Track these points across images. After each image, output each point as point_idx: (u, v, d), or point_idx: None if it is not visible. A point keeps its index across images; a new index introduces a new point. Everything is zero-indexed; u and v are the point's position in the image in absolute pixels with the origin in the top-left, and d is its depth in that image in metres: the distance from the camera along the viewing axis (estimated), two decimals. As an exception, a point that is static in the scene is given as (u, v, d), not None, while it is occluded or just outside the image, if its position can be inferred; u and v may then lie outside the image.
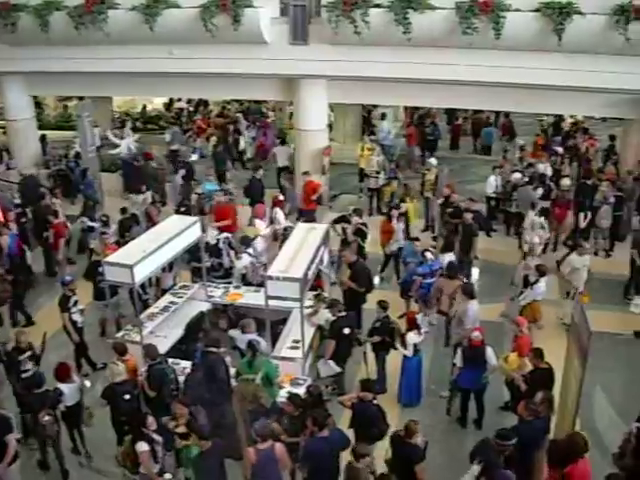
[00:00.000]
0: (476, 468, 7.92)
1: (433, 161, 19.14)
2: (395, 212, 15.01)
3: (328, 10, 16.26)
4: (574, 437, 8.36)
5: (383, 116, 23.64)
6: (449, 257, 13.94)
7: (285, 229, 14.90)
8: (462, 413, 10.99)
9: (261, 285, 11.84)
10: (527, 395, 9.43)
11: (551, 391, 9.88)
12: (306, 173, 17.78)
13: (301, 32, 17.29)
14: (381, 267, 15.20)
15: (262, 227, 15.23)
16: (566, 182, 17.16)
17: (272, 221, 15.70)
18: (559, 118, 25.40)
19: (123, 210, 15.77)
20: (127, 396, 9.52)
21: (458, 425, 10.96)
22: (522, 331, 10.90)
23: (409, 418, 9.38)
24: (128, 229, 15.06)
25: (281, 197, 16.69)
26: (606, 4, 15.16)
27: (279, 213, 15.82)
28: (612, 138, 21.97)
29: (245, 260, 13.63)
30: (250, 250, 13.75)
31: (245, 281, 13.64)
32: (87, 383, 10.22)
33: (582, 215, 16.37)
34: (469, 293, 11.51)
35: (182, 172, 19.27)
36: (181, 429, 8.57)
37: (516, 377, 10.08)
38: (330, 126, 21.19)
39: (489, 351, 10.56)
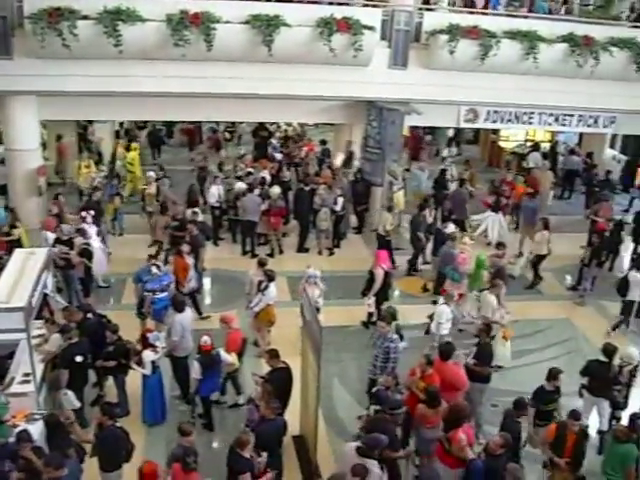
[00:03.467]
0: None
1: (152, 174, 18.87)
2: (186, 247, 14.12)
3: (32, 22, 15.32)
4: (457, 405, 9.29)
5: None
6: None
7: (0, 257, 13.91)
8: (208, 420, 11.09)
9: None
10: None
11: (291, 389, 10.30)
12: None
13: (4, 45, 16.16)
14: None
15: (51, 240, 14.25)
16: (275, 190, 17.83)
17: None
18: (259, 126, 26.07)
19: None
20: None
21: (206, 430, 11.04)
22: (231, 327, 11.35)
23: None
24: None
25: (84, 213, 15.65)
26: (311, 16, 16.01)
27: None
28: (323, 142, 23.24)
29: None
30: None
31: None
32: None
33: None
34: (177, 305, 11.60)
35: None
36: None
37: (255, 379, 10.26)
38: (44, 145, 20.15)
39: (222, 352, 10.91)
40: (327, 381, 11.75)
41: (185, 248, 14.08)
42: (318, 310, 12.23)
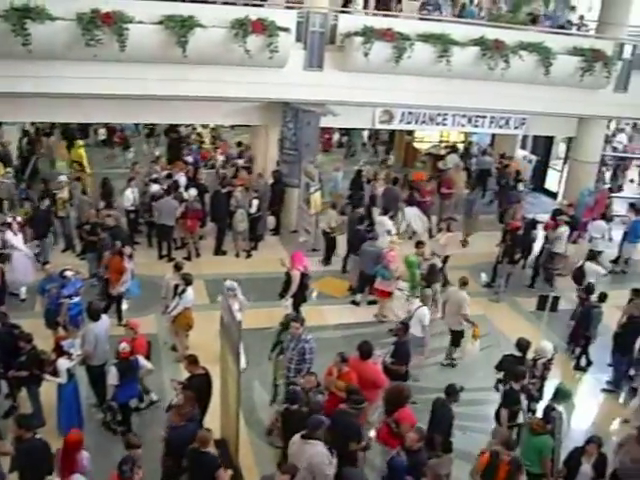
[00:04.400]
0: None
1: (63, 178, 18.35)
2: (128, 249, 14.01)
3: None
4: (398, 387, 9.87)
5: None
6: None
7: None
8: (127, 427, 10.90)
9: None
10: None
11: (211, 395, 10.23)
12: None
13: None
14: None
15: None
16: (192, 193, 17.69)
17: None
18: (170, 127, 25.63)
19: None
20: None
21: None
22: (137, 333, 11.20)
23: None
24: None
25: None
26: (226, 17, 15.84)
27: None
28: (239, 144, 23.16)
29: None
30: None
31: None
32: None
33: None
34: (92, 314, 11.32)
35: None
36: None
37: (174, 385, 10.12)
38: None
39: (140, 359, 10.83)
40: (247, 383, 11.69)
41: (127, 250, 13.98)
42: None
